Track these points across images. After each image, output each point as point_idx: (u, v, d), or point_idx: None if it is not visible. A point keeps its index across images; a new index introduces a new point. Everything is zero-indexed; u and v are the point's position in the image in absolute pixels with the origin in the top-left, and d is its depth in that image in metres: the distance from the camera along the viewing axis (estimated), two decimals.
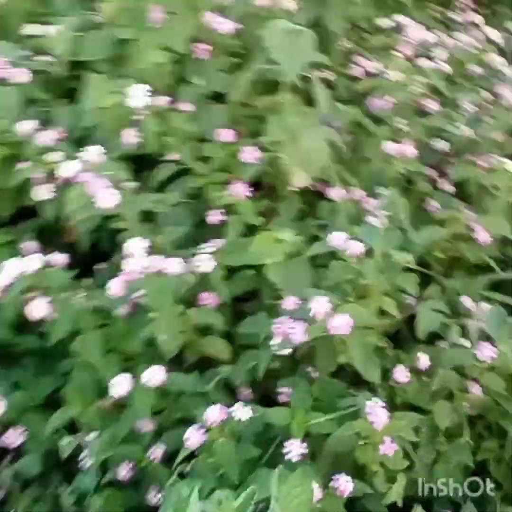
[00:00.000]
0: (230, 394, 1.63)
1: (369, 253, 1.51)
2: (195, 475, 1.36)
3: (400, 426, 1.30)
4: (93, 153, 1.62)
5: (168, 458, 1.57)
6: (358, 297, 1.49)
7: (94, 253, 1.81)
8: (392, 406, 1.41)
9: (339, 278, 1.51)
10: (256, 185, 1.80)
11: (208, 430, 1.34)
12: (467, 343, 1.54)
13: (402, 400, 1.48)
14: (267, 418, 1.39)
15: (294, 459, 1.32)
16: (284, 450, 1.33)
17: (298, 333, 1.39)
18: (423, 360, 1.49)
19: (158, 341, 1.51)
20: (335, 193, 1.83)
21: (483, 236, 1.72)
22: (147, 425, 1.52)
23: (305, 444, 1.34)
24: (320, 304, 1.35)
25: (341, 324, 1.33)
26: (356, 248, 1.47)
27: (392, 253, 1.53)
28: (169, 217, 1.80)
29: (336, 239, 1.50)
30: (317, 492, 1.24)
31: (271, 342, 1.48)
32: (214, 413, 1.32)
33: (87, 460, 1.55)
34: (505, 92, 1.93)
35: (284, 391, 1.53)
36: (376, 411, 1.30)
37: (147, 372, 1.47)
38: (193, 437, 1.32)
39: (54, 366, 1.68)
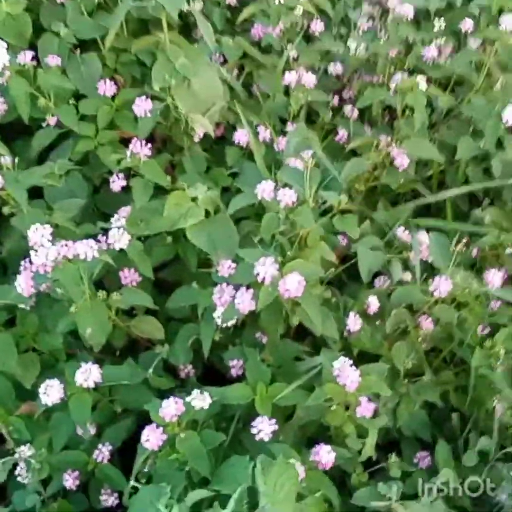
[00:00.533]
0: (171, 375, 1.48)
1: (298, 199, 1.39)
2: (157, 476, 1.22)
3: (372, 382, 1.21)
4: None
5: (117, 454, 1.43)
6: (297, 250, 1.37)
7: None
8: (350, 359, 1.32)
9: (271, 231, 1.37)
10: (149, 140, 1.60)
11: (165, 426, 1.20)
12: (409, 277, 1.48)
13: (359, 350, 1.39)
14: (227, 399, 1.26)
15: (267, 438, 1.21)
16: (253, 430, 1.22)
17: (245, 302, 1.25)
18: (373, 303, 1.41)
19: (84, 335, 1.32)
20: (241, 136, 1.67)
21: (401, 160, 1.63)
22: (86, 428, 1.34)
23: (274, 420, 1.23)
24: (266, 266, 1.22)
25: (293, 285, 1.20)
26: (289, 196, 1.33)
27: (322, 194, 1.41)
28: (60, 191, 1.57)
29: (264, 188, 1.36)
30: (300, 471, 1.15)
31: (215, 314, 1.34)
32: (169, 408, 1.17)
33: (25, 475, 1.37)
34: (395, 3, 1.82)
35: (234, 364, 1.40)
36: (345, 371, 1.20)
37: (79, 372, 1.28)
38: (152, 437, 1.17)
39: None
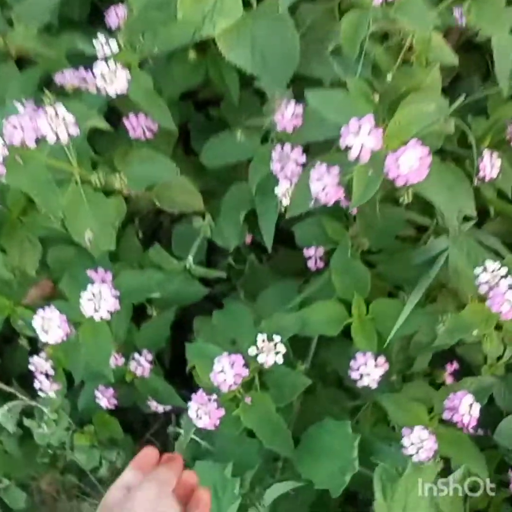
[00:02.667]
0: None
1: None
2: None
3: None
4: None
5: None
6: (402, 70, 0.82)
7: None
8: None
9: (358, 39, 0.81)
10: None
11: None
12: None
13: None
14: (308, 327, 0.83)
15: (374, 385, 0.81)
16: (353, 374, 0.81)
17: (328, 188, 0.75)
18: None
19: (85, 243, 0.88)
20: None
21: None
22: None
23: (384, 358, 0.81)
24: (361, 133, 0.70)
25: (411, 164, 0.69)
26: None
27: None
28: None
29: None
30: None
31: (277, 190, 0.85)
32: (225, 375, 0.76)
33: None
34: None
35: (311, 252, 0.94)
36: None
37: (85, 298, 0.87)
38: (204, 415, 0.77)
39: None
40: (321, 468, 0.78)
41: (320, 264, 0.93)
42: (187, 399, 1.10)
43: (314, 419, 0.86)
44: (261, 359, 0.76)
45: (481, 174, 0.88)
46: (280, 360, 0.76)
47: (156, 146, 0.97)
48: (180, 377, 1.17)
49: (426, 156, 0.69)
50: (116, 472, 1.15)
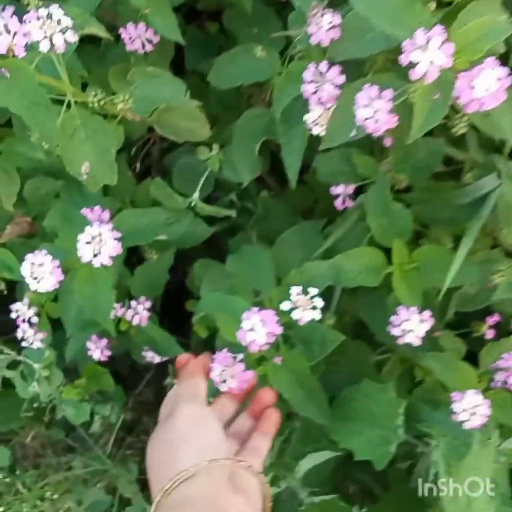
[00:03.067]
0: None
1: None
2: None
3: None
4: None
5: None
6: None
7: None
8: None
9: None
10: None
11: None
12: None
13: None
14: (343, 276, 0.72)
15: (417, 342, 0.71)
16: (394, 330, 0.71)
17: (380, 113, 0.63)
18: None
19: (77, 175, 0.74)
20: None
21: None
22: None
23: (429, 312, 0.71)
24: (429, 49, 0.57)
25: (487, 87, 0.57)
26: None
27: None
28: None
29: None
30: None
31: (306, 117, 0.72)
32: (256, 334, 0.65)
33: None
34: None
35: (340, 190, 0.82)
36: None
37: (83, 241, 0.74)
38: (230, 378, 0.67)
39: None
40: (359, 436, 0.69)
41: (349, 203, 0.82)
42: (187, 348, 1.01)
43: (339, 378, 0.77)
44: (296, 315, 0.65)
45: None
46: (318, 315, 0.65)
47: (153, 63, 0.84)
48: (170, 323, 1.07)
49: (506, 77, 0.58)
50: (109, 428, 1.05)
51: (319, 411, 0.69)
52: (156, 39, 0.81)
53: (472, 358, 0.84)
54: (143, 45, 0.81)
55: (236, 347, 0.67)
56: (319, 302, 0.66)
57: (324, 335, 0.72)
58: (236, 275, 0.78)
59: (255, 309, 0.64)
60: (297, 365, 0.69)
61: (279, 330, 0.64)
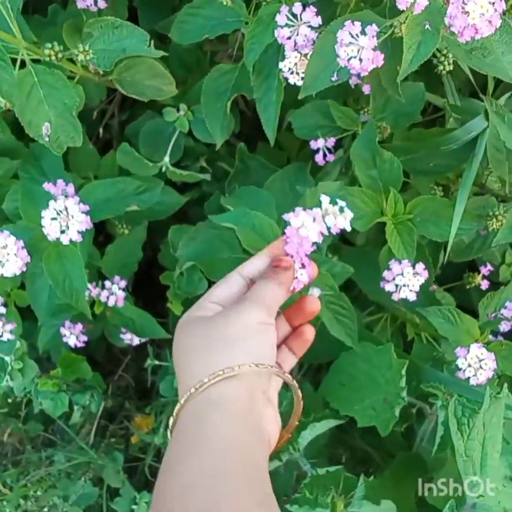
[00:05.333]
0: None
1: None
2: None
3: None
4: None
5: None
6: None
7: None
8: None
9: None
10: None
11: None
12: None
13: None
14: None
15: (412, 297, 0.67)
16: (387, 286, 0.67)
17: (366, 53, 0.58)
18: None
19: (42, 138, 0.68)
20: None
21: None
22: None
23: (423, 265, 0.67)
24: None
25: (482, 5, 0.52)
26: None
27: None
28: None
29: None
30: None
31: (282, 65, 0.67)
32: (310, 228, 0.55)
33: None
34: None
35: (318, 144, 0.77)
36: None
37: (47, 217, 0.68)
38: None
39: None
40: (361, 403, 0.64)
41: (331, 157, 0.77)
42: (166, 328, 0.96)
43: (332, 344, 0.72)
44: (329, 221, 0.57)
45: None
46: (348, 226, 0.57)
47: None
48: (143, 304, 1.02)
49: (500, 0, 0.53)
50: (90, 417, 1.00)
51: (347, 333, 0.65)
52: None
53: None
54: (95, 1, 0.74)
55: None
56: (350, 213, 0.58)
57: (333, 269, 0.67)
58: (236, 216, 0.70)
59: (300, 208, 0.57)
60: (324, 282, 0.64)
61: (326, 231, 0.56)
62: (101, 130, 1.03)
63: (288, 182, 0.76)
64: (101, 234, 1.01)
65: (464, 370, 0.64)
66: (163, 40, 0.87)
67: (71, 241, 0.69)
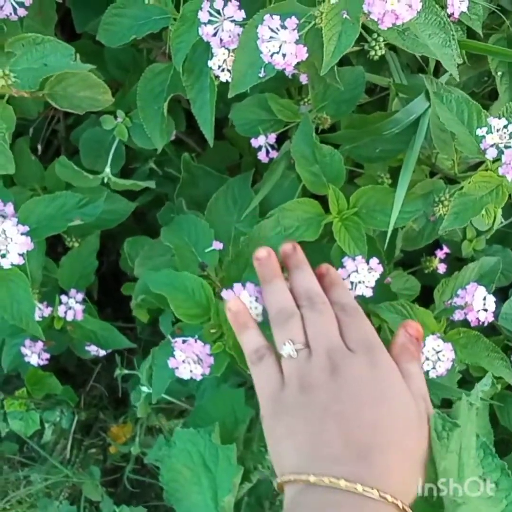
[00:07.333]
0: None
1: None
2: None
3: None
4: None
5: None
6: None
7: None
8: None
9: None
10: None
11: None
12: None
13: None
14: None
15: (369, 295, 0.65)
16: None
17: (287, 46, 0.55)
18: None
19: None
20: None
21: None
22: None
23: (376, 260, 0.65)
24: None
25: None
26: None
27: None
28: None
29: None
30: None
31: (211, 63, 0.64)
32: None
33: None
34: None
35: (261, 140, 0.75)
36: None
37: None
38: (194, 364, 0.59)
39: None
40: None
41: (274, 153, 0.74)
42: (130, 338, 0.94)
43: None
44: None
45: (449, 10, 0.69)
46: None
47: (33, 30, 0.74)
48: (114, 309, 1.00)
49: None
50: (64, 432, 0.98)
51: None
52: (29, 1, 0.71)
53: (429, 294, 0.79)
54: (15, 9, 0.71)
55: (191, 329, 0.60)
56: None
57: None
58: (176, 247, 0.70)
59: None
60: None
61: None
62: (46, 137, 1.01)
63: (231, 199, 0.75)
64: (59, 244, 0.99)
65: (422, 364, 0.63)
66: (98, 41, 0.84)
67: (12, 264, 0.67)
